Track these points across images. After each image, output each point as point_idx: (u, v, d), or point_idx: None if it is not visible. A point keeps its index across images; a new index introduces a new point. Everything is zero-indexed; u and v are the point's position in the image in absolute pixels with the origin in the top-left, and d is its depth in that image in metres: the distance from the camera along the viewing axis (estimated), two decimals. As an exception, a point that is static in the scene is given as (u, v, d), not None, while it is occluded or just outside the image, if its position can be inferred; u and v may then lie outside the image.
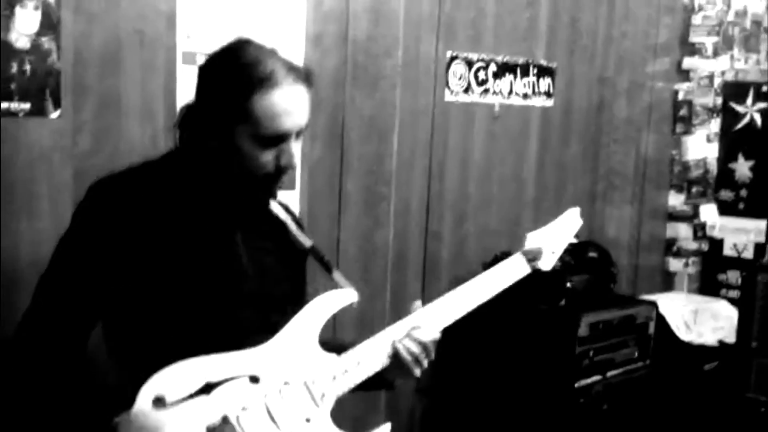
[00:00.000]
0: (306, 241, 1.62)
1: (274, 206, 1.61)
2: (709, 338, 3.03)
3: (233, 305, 1.49)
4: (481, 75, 3.04)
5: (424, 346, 1.56)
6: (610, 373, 2.72)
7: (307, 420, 1.46)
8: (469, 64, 2.99)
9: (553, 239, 1.86)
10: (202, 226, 1.49)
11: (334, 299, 1.55)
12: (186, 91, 2.20)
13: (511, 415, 2.68)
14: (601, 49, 3.52)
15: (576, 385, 2.57)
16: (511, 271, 1.78)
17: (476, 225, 3.13)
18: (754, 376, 1.62)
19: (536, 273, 1.72)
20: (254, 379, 1.44)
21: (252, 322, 1.50)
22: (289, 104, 1.43)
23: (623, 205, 3.76)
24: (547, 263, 1.83)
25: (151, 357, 1.40)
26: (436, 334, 1.60)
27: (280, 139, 1.44)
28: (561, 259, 2.86)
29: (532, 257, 1.81)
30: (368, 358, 1.54)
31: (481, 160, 3.12)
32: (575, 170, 3.49)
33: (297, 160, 1.48)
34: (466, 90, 3.00)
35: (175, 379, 1.37)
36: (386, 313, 2.77)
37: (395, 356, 1.55)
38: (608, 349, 2.76)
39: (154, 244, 1.43)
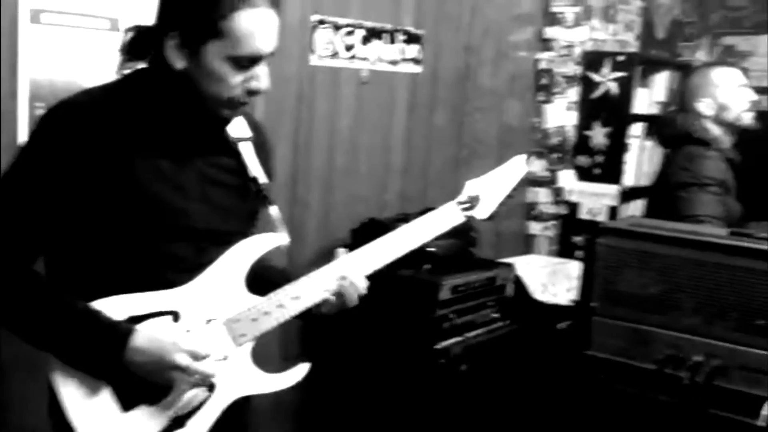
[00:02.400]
0: (259, 175, 1.59)
1: (240, 134, 1.58)
2: (563, 298, 3.20)
3: (167, 238, 1.48)
4: (349, 40, 3.03)
5: (346, 294, 1.56)
6: (470, 334, 2.82)
7: (225, 358, 1.50)
8: (337, 28, 2.97)
9: (493, 187, 1.77)
10: (156, 154, 1.47)
11: (264, 241, 1.55)
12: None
13: (375, 380, 2.74)
14: (468, 18, 3.58)
15: (436, 347, 2.65)
16: (443, 219, 1.70)
17: (344, 193, 3.14)
18: (594, 335, 1.71)
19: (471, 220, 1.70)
20: (176, 316, 1.47)
21: (189, 256, 1.50)
22: (266, 26, 1.42)
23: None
24: (483, 212, 1.73)
25: (84, 288, 1.44)
26: (361, 282, 1.59)
27: (253, 60, 1.43)
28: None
29: (468, 205, 1.72)
30: (289, 303, 1.54)
31: (348, 127, 3.12)
32: (441, 137, 3.56)
33: (267, 84, 1.47)
34: (334, 55, 2.98)
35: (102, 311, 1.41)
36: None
37: (315, 302, 1.56)
38: (469, 311, 2.85)
39: (103, 170, 1.42)
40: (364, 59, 3.10)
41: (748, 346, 1.55)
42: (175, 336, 1.44)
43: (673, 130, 3.10)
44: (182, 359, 1.41)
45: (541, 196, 4.11)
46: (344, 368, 2.86)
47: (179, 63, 1.43)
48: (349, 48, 3.03)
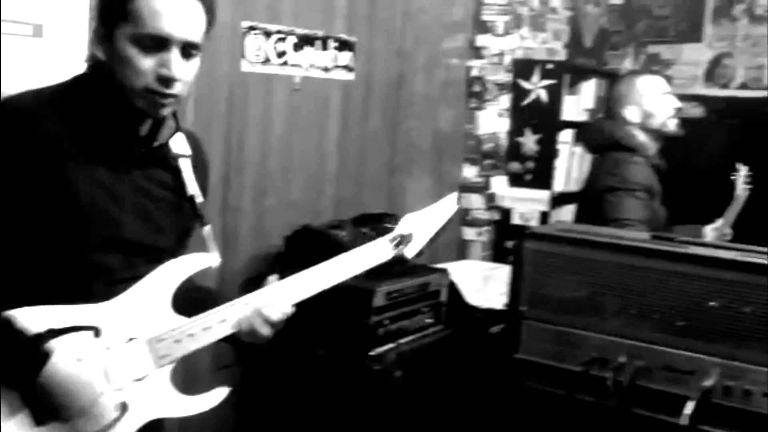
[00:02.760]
0: (196, 194, 1.57)
1: (180, 151, 1.56)
2: (497, 302, 3.24)
3: (98, 248, 1.45)
4: (280, 47, 3.01)
5: (269, 321, 1.54)
6: (404, 340, 2.83)
7: (142, 379, 1.46)
8: (267, 35, 2.95)
9: (425, 225, 1.76)
10: (94, 161, 1.44)
11: (194, 261, 1.52)
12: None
13: (310, 387, 2.73)
14: (400, 25, 3.60)
15: (371, 353, 2.65)
16: (373, 254, 1.69)
17: (277, 198, 3.12)
18: (523, 338, 1.74)
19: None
20: (97, 332, 1.42)
21: (119, 269, 1.48)
22: (175, 8, 1.39)
23: (421, 178, 3.90)
24: (412, 250, 1.73)
25: (8, 296, 1.39)
26: (285, 310, 1.57)
27: (160, 42, 1.39)
28: (356, 230, 2.97)
29: (399, 242, 1.71)
30: (215, 326, 1.52)
31: (282, 133, 3.11)
32: (375, 143, 3.57)
33: (182, 75, 1.42)
34: (265, 61, 2.96)
35: (18, 322, 1.36)
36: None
37: (240, 327, 1.54)
38: (403, 317, 2.86)
39: (35, 174, 1.38)
40: (297, 66, 3.09)
41: (670, 346, 1.60)
42: (93, 353, 1.41)
43: (600, 136, 3.18)
44: (96, 386, 1.39)
45: (475, 202, 4.16)
46: (278, 376, 2.84)
47: (101, 54, 1.42)
48: (280, 54, 3.02)
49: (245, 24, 2.86)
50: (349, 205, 3.36)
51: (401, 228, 1.72)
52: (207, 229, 1.57)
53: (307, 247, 2.89)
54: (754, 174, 3.33)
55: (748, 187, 3.31)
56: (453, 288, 3.21)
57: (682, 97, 3.82)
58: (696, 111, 4.51)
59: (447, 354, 2.99)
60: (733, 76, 4.52)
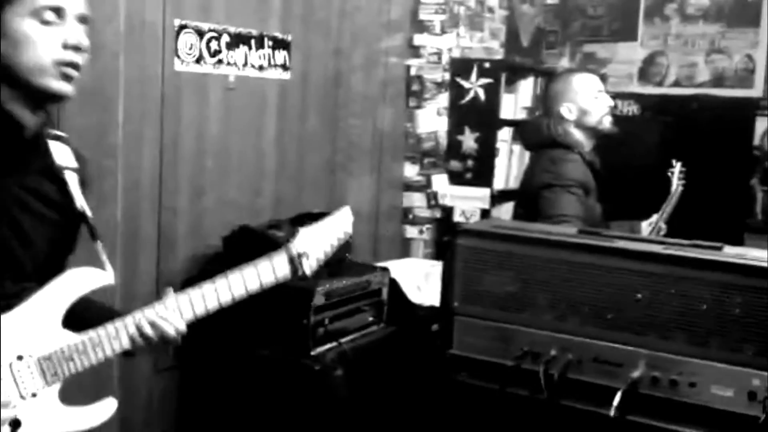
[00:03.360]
0: (83, 205, 1.53)
1: (66, 163, 1.52)
2: (437, 300, 3.25)
3: None
4: (214, 45, 2.97)
5: (164, 337, 1.52)
6: (345, 339, 2.81)
7: (33, 395, 1.43)
8: (200, 33, 2.91)
9: (321, 240, 1.73)
10: None
11: (88, 278, 1.49)
12: None
13: (250, 389, 2.70)
14: (336, 23, 3.59)
15: (311, 353, 2.63)
16: (271, 270, 1.66)
17: (214, 198, 3.08)
18: (456, 334, 1.74)
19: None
20: None
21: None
22: None
23: (362, 177, 3.89)
24: (310, 267, 1.71)
25: None
26: (180, 326, 1.54)
27: (59, 13, 1.38)
28: (295, 230, 2.94)
29: (296, 260, 1.68)
30: (107, 342, 1.49)
31: (218, 132, 3.06)
32: (314, 143, 3.55)
33: (85, 43, 1.42)
34: (198, 60, 2.92)
35: None
36: (116, 293, 2.64)
37: (133, 342, 1.52)
38: (344, 316, 2.85)
39: None
40: (231, 65, 3.05)
41: (600, 339, 1.62)
42: None
43: (536, 134, 3.22)
44: None
45: (416, 200, 4.17)
46: (219, 377, 2.80)
47: None
48: (214, 53, 2.97)
49: (177, 22, 2.81)
50: (289, 204, 3.34)
51: (297, 245, 1.68)
52: (99, 245, 1.55)
53: (245, 247, 2.85)
54: (687, 170, 3.41)
55: (683, 182, 3.39)
56: (394, 286, 3.21)
57: (618, 96, 3.91)
58: (631, 109, 4.60)
59: (389, 352, 2.99)
60: (666, 74, 4.63)
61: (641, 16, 4.70)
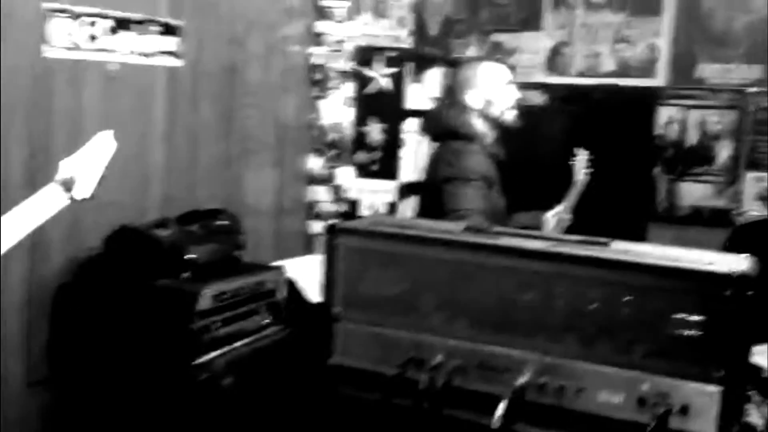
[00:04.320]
0: None
1: None
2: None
3: None
4: (92, 31, 2.76)
5: None
6: (237, 345, 2.66)
7: None
8: (76, 17, 2.69)
9: (87, 165, 1.87)
10: None
11: None
12: None
13: (131, 401, 2.51)
14: (231, 9, 3.40)
15: (196, 362, 2.47)
16: (48, 201, 1.79)
17: (96, 196, 2.85)
18: (337, 342, 1.61)
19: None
20: None
21: None
22: None
23: (263, 170, 3.73)
24: (83, 191, 1.86)
25: None
26: None
27: None
28: (182, 229, 2.77)
29: (68, 186, 1.82)
30: None
31: (97, 124, 2.81)
32: (208, 135, 3.36)
33: None
34: (74, 47, 2.70)
35: None
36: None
37: None
38: (235, 320, 2.69)
39: None
40: (113, 51, 2.84)
41: (486, 343, 1.52)
42: None
43: (439, 124, 3.12)
44: None
45: (321, 194, 4.03)
46: (98, 390, 2.60)
47: None
48: (92, 39, 2.76)
49: (48, 5, 2.59)
50: (180, 201, 3.14)
51: (63, 172, 1.82)
52: None
53: (126, 248, 2.66)
54: (592, 159, 3.37)
55: (588, 171, 3.35)
56: (292, 285, 3.07)
57: (525, 85, 3.85)
58: (538, 99, 4.56)
59: (286, 355, 2.85)
60: (571, 63, 4.60)
61: (547, 5, 4.66)
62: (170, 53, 3.11)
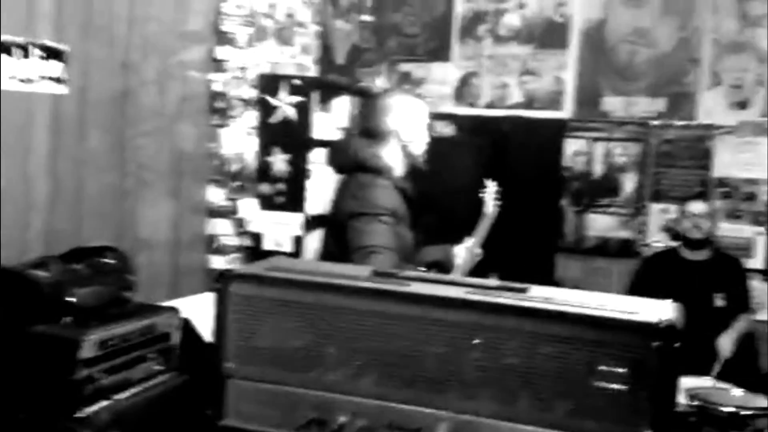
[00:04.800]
0: None
1: None
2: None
3: None
4: (-37, 52, 2.51)
5: None
6: (124, 395, 2.42)
7: None
8: (-57, 37, 2.44)
9: None
10: None
11: None
12: None
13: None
14: (123, 33, 3.19)
15: (77, 415, 2.22)
16: None
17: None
18: (230, 400, 1.44)
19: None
20: None
21: None
22: None
23: (158, 202, 3.50)
24: None
25: None
26: None
27: None
28: (66, 268, 2.53)
29: None
30: None
31: (-31, 156, 2.59)
32: (97, 165, 3.12)
33: None
34: (-59, 69, 2.44)
35: None
36: None
37: None
38: (123, 368, 2.45)
39: None
40: (-13, 76, 2.59)
41: (395, 400, 1.37)
42: None
43: (345, 156, 2.97)
44: None
45: (222, 227, 3.83)
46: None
47: None
48: (-37, 61, 2.51)
49: None
50: (65, 237, 2.89)
51: None
52: None
53: (1, 291, 2.40)
54: (501, 191, 3.30)
55: (497, 203, 3.28)
56: (188, 327, 2.85)
57: (433, 116, 3.77)
58: (446, 130, 4.51)
59: (178, 406, 2.62)
60: (479, 95, 4.58)
61: (455, 36, 4.64)
62: (54, 79, 2.87)
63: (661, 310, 1.29)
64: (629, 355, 1.23)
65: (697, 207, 3.67)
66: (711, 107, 4.15)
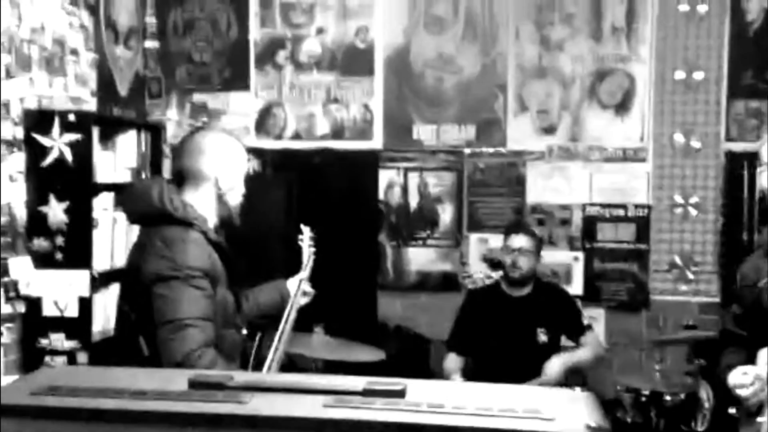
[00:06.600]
0: None
1: None
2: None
3: None
4: None
5: None
6: None
7: None
8: None
9: None
10: None
11: None
12: None
13: None
14: None
15: None
16: None
17: None
18: None
19: None
20: None
21: None
22: None
23: None
24: None
25: None
26: None
27: None
28: None
29: None
30: None
31: None
32: None
33: None
34: None
35: None
36: None
37: None
38: None
39: None
40: None
41: None
42: None
43: (145, 204, 2.41)
44: None
45: (-13, 293, 3.19)
46: None
47: None
48: None
49: None
50: None
51: None
52: None
53: None
54: (317, 231, 2.99)
55: (313, 249, 2.95)
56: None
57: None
58: (251, 165, 4.12)
59: None
60: (284, 126, 4.25)
61: (252, 64, 4.28)
62: None
63: (576, 408, 1.01)
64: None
65: (518, 241, 3.55)
66: (520, 133, 4.10)
